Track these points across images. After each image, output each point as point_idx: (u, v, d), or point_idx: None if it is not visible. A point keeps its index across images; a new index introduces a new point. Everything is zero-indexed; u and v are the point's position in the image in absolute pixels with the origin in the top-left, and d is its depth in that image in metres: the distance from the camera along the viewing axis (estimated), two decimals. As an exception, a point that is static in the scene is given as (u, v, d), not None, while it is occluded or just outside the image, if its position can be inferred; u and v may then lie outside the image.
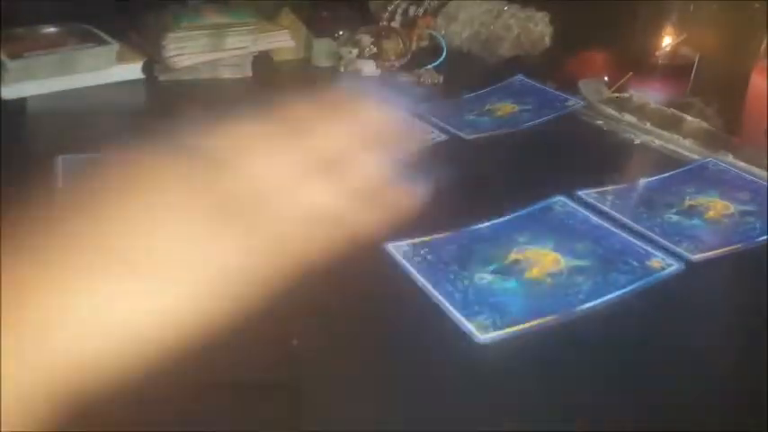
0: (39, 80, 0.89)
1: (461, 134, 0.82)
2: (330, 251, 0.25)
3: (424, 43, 1.15)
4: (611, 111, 0.86)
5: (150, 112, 0.93)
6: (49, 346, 0.20)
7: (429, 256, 0.57)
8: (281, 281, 0.24)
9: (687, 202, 0.66)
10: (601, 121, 0.86)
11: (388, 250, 0.57)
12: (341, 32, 1.10)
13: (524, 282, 0.54)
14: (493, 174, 0.74)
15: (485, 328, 0.48)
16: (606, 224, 0.62)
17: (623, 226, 0.62)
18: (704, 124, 0.82)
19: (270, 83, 1.02)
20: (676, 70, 0.92)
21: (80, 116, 0.86)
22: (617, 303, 0.52)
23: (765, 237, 0.60)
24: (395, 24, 1.15)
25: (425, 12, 1.16)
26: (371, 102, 0.27)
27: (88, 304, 0.21)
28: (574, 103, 0.89)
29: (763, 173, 0.71)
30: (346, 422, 0.41)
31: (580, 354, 0.47)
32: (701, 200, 0.67)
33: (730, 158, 0.74)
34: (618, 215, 0.63)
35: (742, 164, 0.73)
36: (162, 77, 0.97)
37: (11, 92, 0.87)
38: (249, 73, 1.01)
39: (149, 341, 0.22)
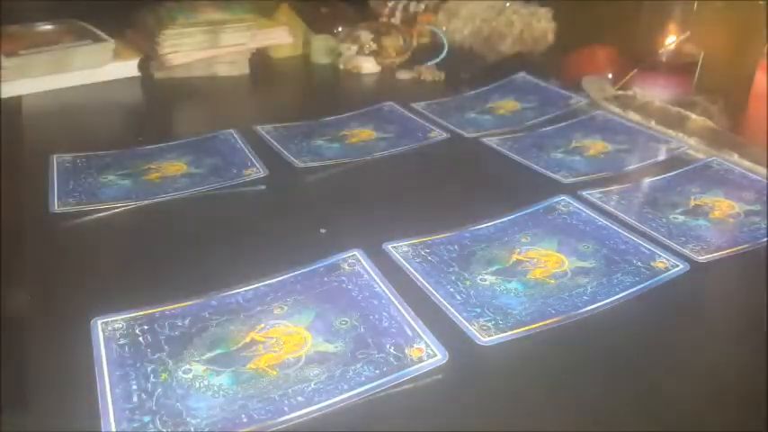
0: (34, 78, 0.88)
1: (463, 132, 0.81)
2: None
3: (425, 40, 1.14)
4: (615, 109, 0.86)
5: (146, 109, 0.92)
6: None
7: (430, 257, 0.55)
8: None
9: (692, 202, 0.65)
10: (604, 120, 0.85)
11: (387, 250, 0.56)
12: (340, 29, 1.09)
13: (527, 283, 0.53)
14: (495, 172, 0.73)
15: (487, 331, 0.47)
16: (610, 224, 0.61)
17: (628, 226, 0.61)
18: (709, 123, 0.81)
19: (268, 80, 1.01)
20: (680, 68, 0.91)
21: (75, 114, 0.86)
22: (622, 305, 0.51)
23: (771, 237, 0.59)
24: (395, 21, 1.14)
25: (426, 8, 1.15)
26: None
27: None
28: (577, 100, 0.88)
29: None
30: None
31: (584, 356, 0.46)
32: (706, 199, 0.66)
33: (735, 157, 0.73)
34: (622, 215, 0.62)
35: (747, 163, 0.72)
36: (158, 75, 0.96)
37: (6, 90, 0.86)
38: (246, 70, 1.00)
39: None
